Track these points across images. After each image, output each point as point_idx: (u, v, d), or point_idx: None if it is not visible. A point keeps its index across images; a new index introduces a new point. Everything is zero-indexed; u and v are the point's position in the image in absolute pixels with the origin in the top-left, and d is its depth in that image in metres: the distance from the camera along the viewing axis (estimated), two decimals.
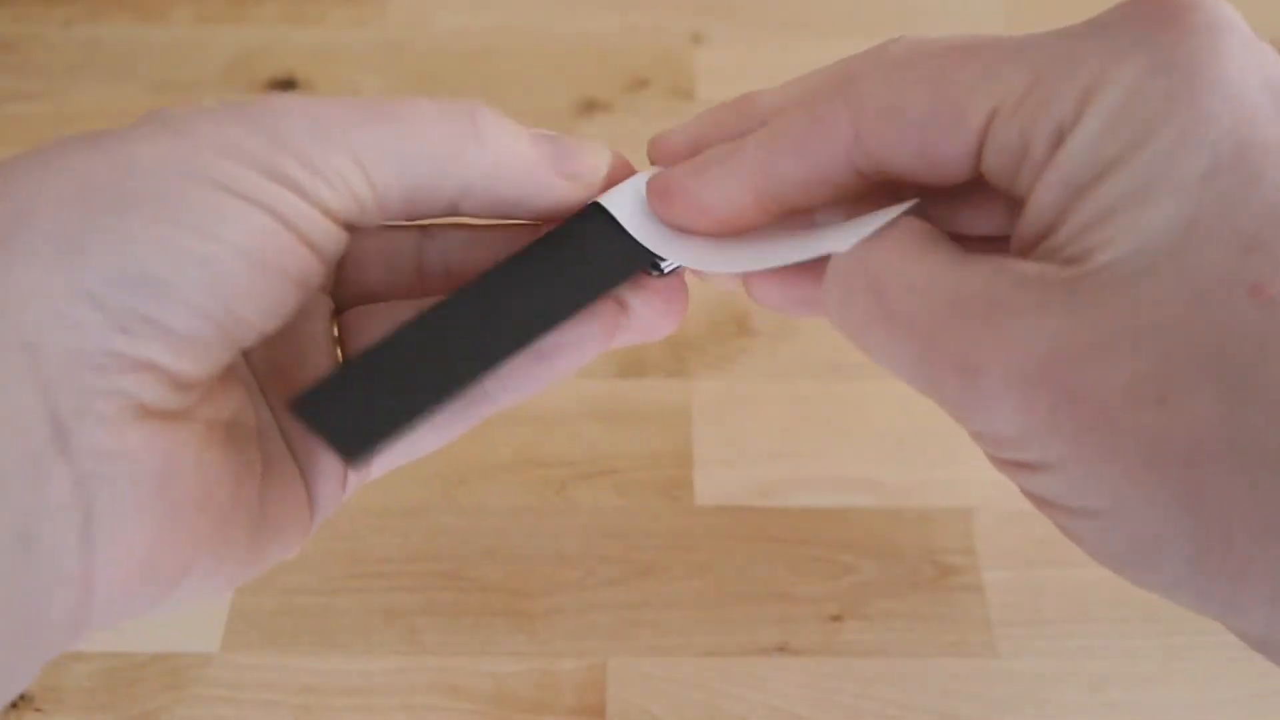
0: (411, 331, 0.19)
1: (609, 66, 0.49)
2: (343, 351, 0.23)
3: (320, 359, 0.22)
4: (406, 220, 0.20)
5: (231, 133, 0.17)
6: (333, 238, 0.18)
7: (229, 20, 0.51)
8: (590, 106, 0.48)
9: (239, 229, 0.17)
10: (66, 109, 0.47)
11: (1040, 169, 0.17)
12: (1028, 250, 0.17)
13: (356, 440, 0.18)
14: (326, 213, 0.18)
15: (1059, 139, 0.17)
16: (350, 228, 0.19)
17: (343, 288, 0.23)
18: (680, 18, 0.51)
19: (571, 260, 0.21)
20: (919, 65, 0.18)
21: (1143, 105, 0.16)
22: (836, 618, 0.33)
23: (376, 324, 0.23)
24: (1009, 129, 0.17)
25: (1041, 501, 0.17)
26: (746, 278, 0.22)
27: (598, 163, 0.21)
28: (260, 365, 0.21)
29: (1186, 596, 0.16)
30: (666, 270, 0.21)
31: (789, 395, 0.38)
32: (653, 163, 0.22)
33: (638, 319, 0.22)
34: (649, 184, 0.21)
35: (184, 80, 0.48)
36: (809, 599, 0.33)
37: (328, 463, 0.21)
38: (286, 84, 0.48)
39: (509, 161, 0.20)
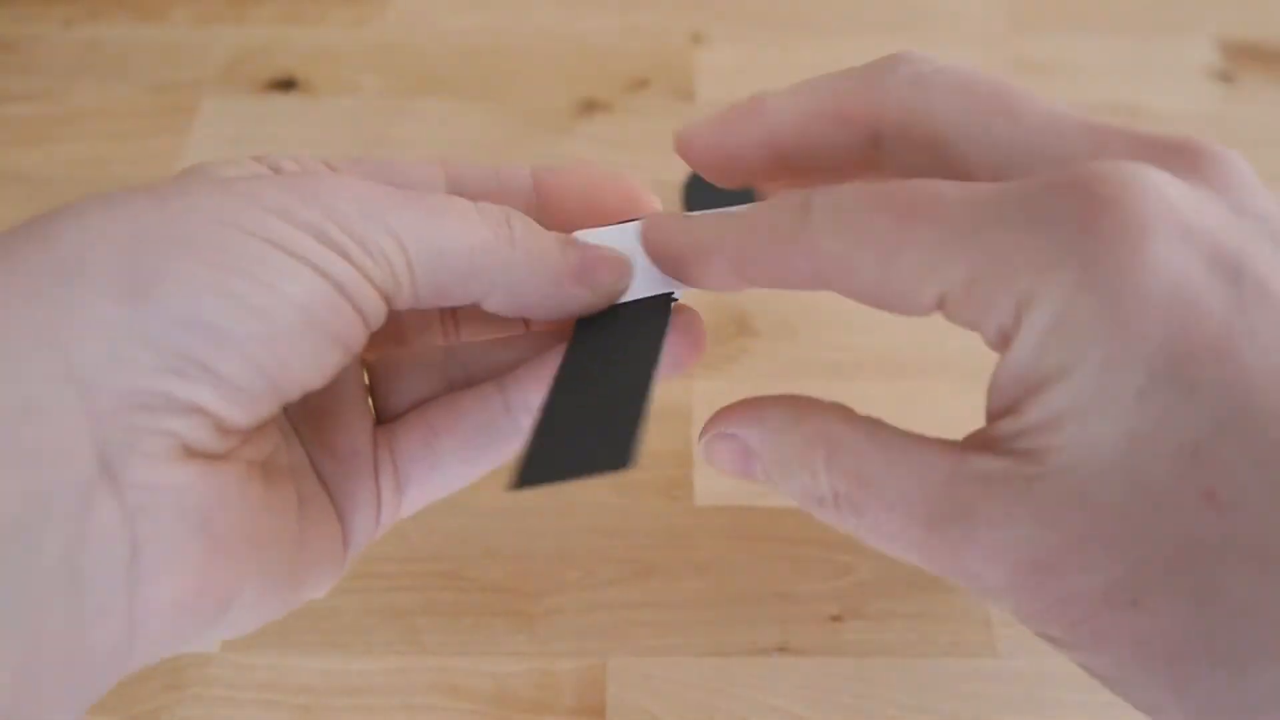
0: (565, 383, 0.20)
1: (609, 66, 0.49)
2: (374, 398, 0.24)
3: (352, 404, 0.23)
4: (429, 307, 0.21)
5: (284, 198, 0.18)
6: (376, 307, 0.19)
7: (229, 20, 0.51)
8: (590, 106, 0.48)
9: (296, 285, 0.17)
10: (66, 109, 0.47)
11: (996, 346, 0.18)
12: (995, 418, 0.18)
13: (616, 449, 0.19)
14: (370, 280, 0.18)
15: (1006, 339, 0.17)
16: (388, 302, 0.19)
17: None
18: (680, 18, 0.51)
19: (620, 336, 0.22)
20: (870, 224, 0.18)
21: (1072, 326, 0.16)
22: (836, 618, 0.33)
23: (405, 370, 0.24)
24: (960, 316, 0.18)
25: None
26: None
27: (619, 277, 0.22)
28: (292, 407, 0.22)
29: None
30: (677, 297, 0.22)
31: None
32: (681, 155, 0.23)
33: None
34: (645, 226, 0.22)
35: (184, 80, 0.48)
36: (809, 599, 0.33)
37: (363, 499, 0.22)
38: (286, 84, 0.48)
39: (538, 267, 0.20)
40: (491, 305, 0.21)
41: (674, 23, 0.51)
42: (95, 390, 0.16)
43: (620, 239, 0.22)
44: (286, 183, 0.18)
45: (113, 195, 0.18)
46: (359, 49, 0.50)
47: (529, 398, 0.22)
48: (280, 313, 0.17)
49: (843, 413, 0.20)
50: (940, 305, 0.18)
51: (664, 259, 0.21)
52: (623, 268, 0.22)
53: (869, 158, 0.21)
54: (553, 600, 0.33)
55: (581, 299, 0.21)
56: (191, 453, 0.17)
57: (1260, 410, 0.15)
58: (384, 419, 0.24)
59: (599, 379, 0.20)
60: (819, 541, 0.35)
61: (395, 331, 0.24)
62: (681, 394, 0.38)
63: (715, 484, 0.36)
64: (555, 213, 0.23)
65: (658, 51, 0.50)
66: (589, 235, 0.22)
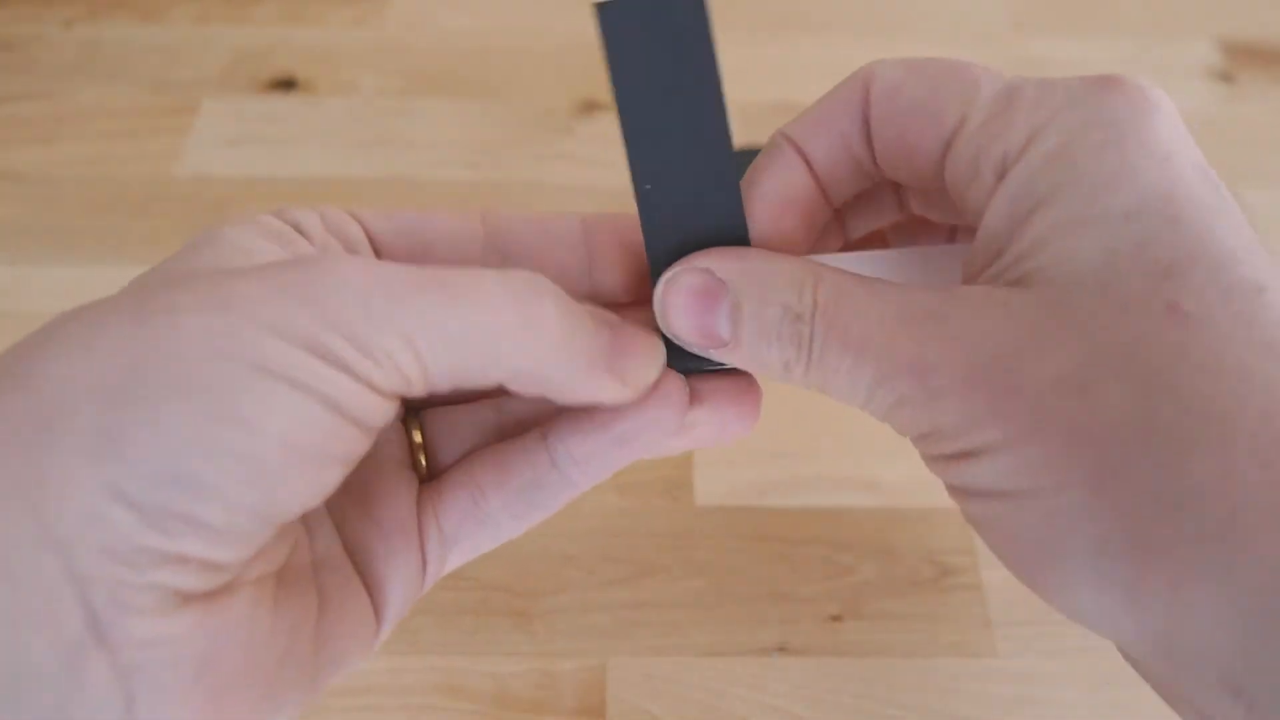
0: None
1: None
2: (426, 457, 0.23)
3: (392, 473, 0.22)
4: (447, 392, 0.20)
5: (281, 308, 0.17)
6: (380, 412, 0.18)
7: (229, 20, 0.51)
8: (590, 106, 0.48)
9: (285, 420, 0.16)
10: (66, 109, 0.47)
11: (987, 193, 0.19)
12: (976, 275, 0.19)
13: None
14: (376, 391, 0.17)
15: (1003, 169, 0.19)
16: (398, 398, 0.18)
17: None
18: None
19: None
20: (928, 65, 0.21)
21: (1077, 150, 0.18)
22: (836, 618, 0.33)
23: (458, 426, 0.23)
24: (967, 146, 0.19)
25: (967, 492, 0.19)
26: None
27: (650, 370, 0.21)
28: None
29: (1085, 593, 0.17)
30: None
31: (789, 395, 0.37)
32: None
33: (711, 415, 0.22)
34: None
35: (184, 80, 0.48)
36: (809, 599, 0.33)
37: (407, 568, 0.21)
38: (286, 84, 0.48)
39: (566, 357, 0.19)
40: (515, 388, 0.19)
41: None
42: (75, 551, 0.15)
43: None
44: (284, 279, 0.17)
45: (93, 318, 0.17)
46: (359, 49, 0.50)
47: (573, 450, 0.21)
48: (267, 453, 0.16)
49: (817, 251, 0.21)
50: (953, 135, 0.20)
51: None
52: (655, 355, 0.21)
53: (865, 140, 0.22)
54: (553, 600, 0.33)
55: (609, 391, 0.20)
56: (187, 598, 0.16)
57: (1232, 250, 0.17)
58: (435, 475, 0.23)
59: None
60: (819, 541, 0.35)
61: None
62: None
63: (715, 484, 0.36)
64: (608, 267, 0.23)
65: None
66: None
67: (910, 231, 0.26)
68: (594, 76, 0.49)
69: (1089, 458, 0.17)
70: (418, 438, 0.23)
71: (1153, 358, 0.17)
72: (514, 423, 0.23)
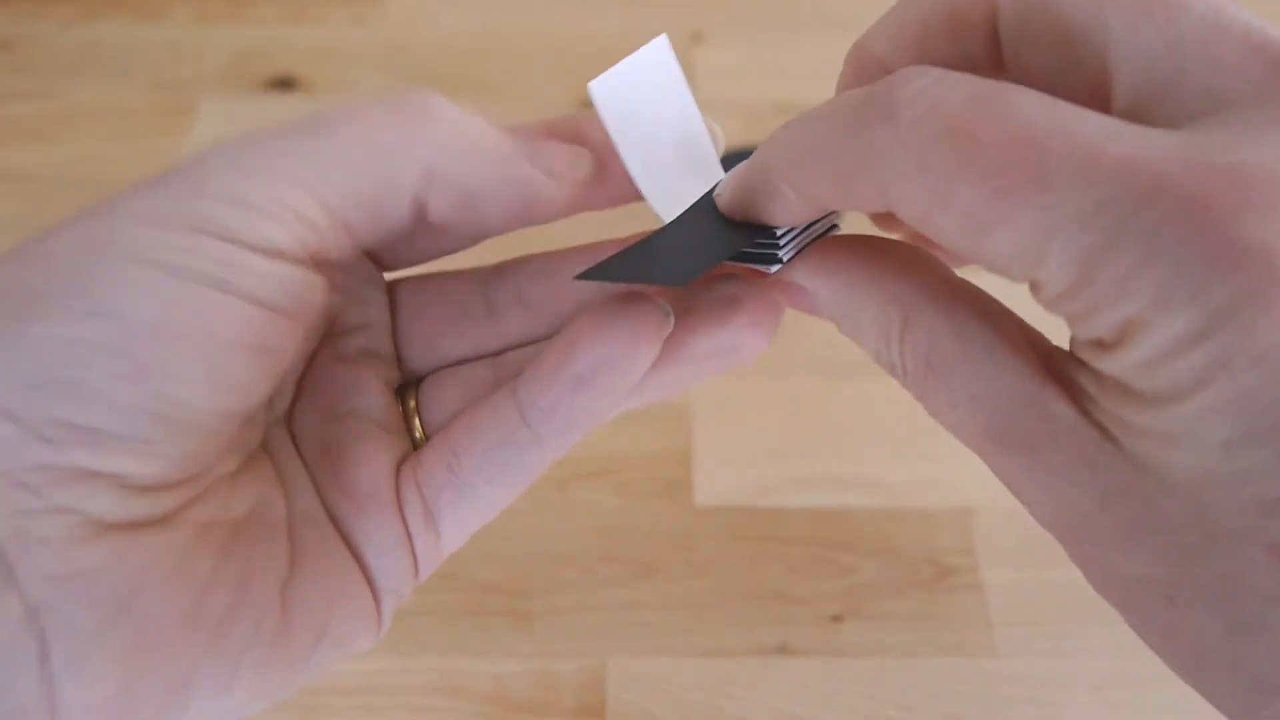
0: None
1: (609, 66, 0.49)
2: (422, 423, 0.22)
3: (365, 436, 0.20)
4: (383, 240, 0.19)
5: (150, 196, 0.16)
6: (291, 284, 0.16)
7: (229, 20, 0.51)
8: (590, 106, 0.48)
9: (155, 306, 0.15)
10: (65, 109, 0.47)
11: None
12: (1082, 349, 0.16)
13: (676, 270, 0.18)
14: (275, 253, 0.16)
15: (1100, 350, 0.16)
16: (319, 263, 0.17)
17: (411, 352, 0.22)
18: (680, 17, 0.51)
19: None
20: (956, 188, 0.15)
21: (1178, 368, 0.14)
22: (836, 618, 0.33)
23: (452, 391, 0.22)
24: (1054, 308, 0.16)
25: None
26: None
27: (578, 158, 0.20)
28: (308, 448, 0.20)
29: None
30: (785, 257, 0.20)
31: (789, 395, 0.38)
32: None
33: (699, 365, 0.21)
34: None
35: (183, 80, 0.48)
36: (809, 599, 0.33)
37: (388, 541, 0.20)
38: (286, 83, 0.48)
39: (469, 144, 0.18)
40: (440, 208, 0.18)
41: (674, 23, 0.51)
42: None
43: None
44: (159, 176, 0.16)
45: None
46: (359, 49, 0.50)
47: (536, 397, 0.20)
48: (138, 343, 0.15)
49: (926, 277, 0.18)
50: (1032, 287, 0.16)
51: (733, 202, 0.19)
52: (579, 152, 0.20)
53: (995, 60, 0.18)
54: (552, 600, 0.33)
55: (541, 186, 0.19)
56: (105, 527, 0.15)
57: None
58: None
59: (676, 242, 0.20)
60: (819, 541, 0.35)
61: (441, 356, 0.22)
62: (681, 394, 0.38)
63: (715, 484, 0.36)
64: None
65: None
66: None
67: None
68: (594, 77, 0.49)
69: (1184, 658, 0.16)
70: (412, 403, 0.22)
71: (1248, 603, 0.15)
72: (509, 381, 0.22)
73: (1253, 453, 0.14)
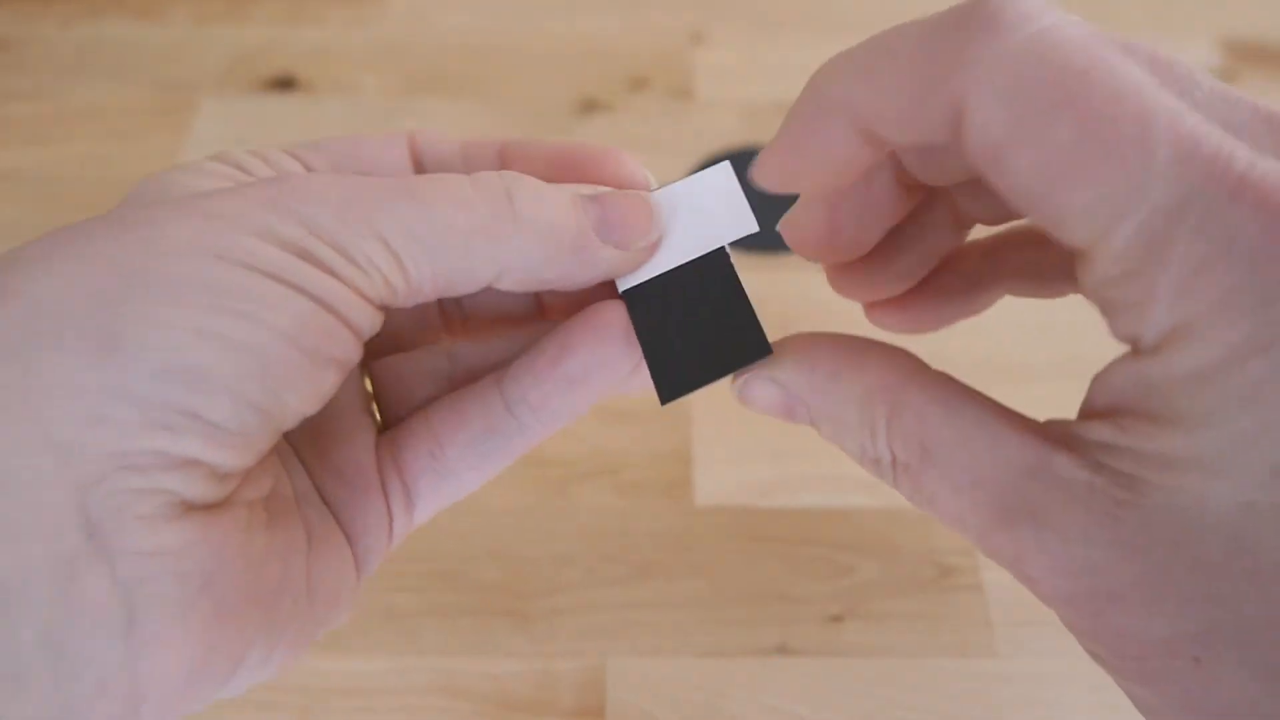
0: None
1: (609, 66, 0.49)
2: (379, 405, 0.22)
3: (352, 418, 0.21)
4: (437, 298, 0.20)
5: (261, 215, 0.17)
6: (370, 318, 0.18)
7: (229, 20, 0.51)
8: (590, 106, 0.48)
9: (282, 313, 0.16)
10: (66, 109, 0.47)
11: (1119, 336, 0.15)
12: (1092, 416, 0.16)
13: (751, 342, 0.19)
14: (361, 295, 0.17)
15: (1135, 344, 0.15)
16: (384, 308, 0.18)
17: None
18: (680, 18, 0.51)
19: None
20: (1046, 101, 0.14)
21: (1229, 381, 0.14)
22: (836, 618, 0.33)
23: (407, 374, 0.22)
24: (1096, 291, 0.15)
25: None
26: (868, 307, 0.22)
27: (646, 228, 0.20)
28: (293, 430, 0.21)
29: None
30: None
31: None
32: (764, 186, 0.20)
33: None
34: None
35: (184, 80, 0.48)
36: (809, 599, 0.33)
37: (373, 519, 0.21)
38: (286, 83, 0.48)
39: (548, 239, 0.19)
40: (506, 285, 0.19)
41: (674, 22, 0.51)
42: (77, 456, 0.15)
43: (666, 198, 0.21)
44: (261, 195, 0.17)
45: (78, 232, 0.16)
46: (359, 49, 0.50)
47: (526, 393, 0.21)
48: (269, 345, 0.16)
49: (909, 366, 0.18)
50: (1080, 260, 0.15)
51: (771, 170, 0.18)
52: (649, 212, 0.20)
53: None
54: (552, 600, 0.33)
55: (611, 260, 0.19)
56: (189, 508, 0.16)
57: None
58: (390, 426, 0.23)
59: (684, 311, 0.20)
60: (819, 541, 0.35)
61: (394, 335, 0.23)
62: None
63: (715, 484, 0.36)
64: None
65: (658, 51, 0.50)
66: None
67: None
68: (594, 76, 0.49)
69: None
70: (368, 386, 0.22)
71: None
72: (465, 370, 0.23)
73: None
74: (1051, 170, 0.14)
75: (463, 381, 0.23)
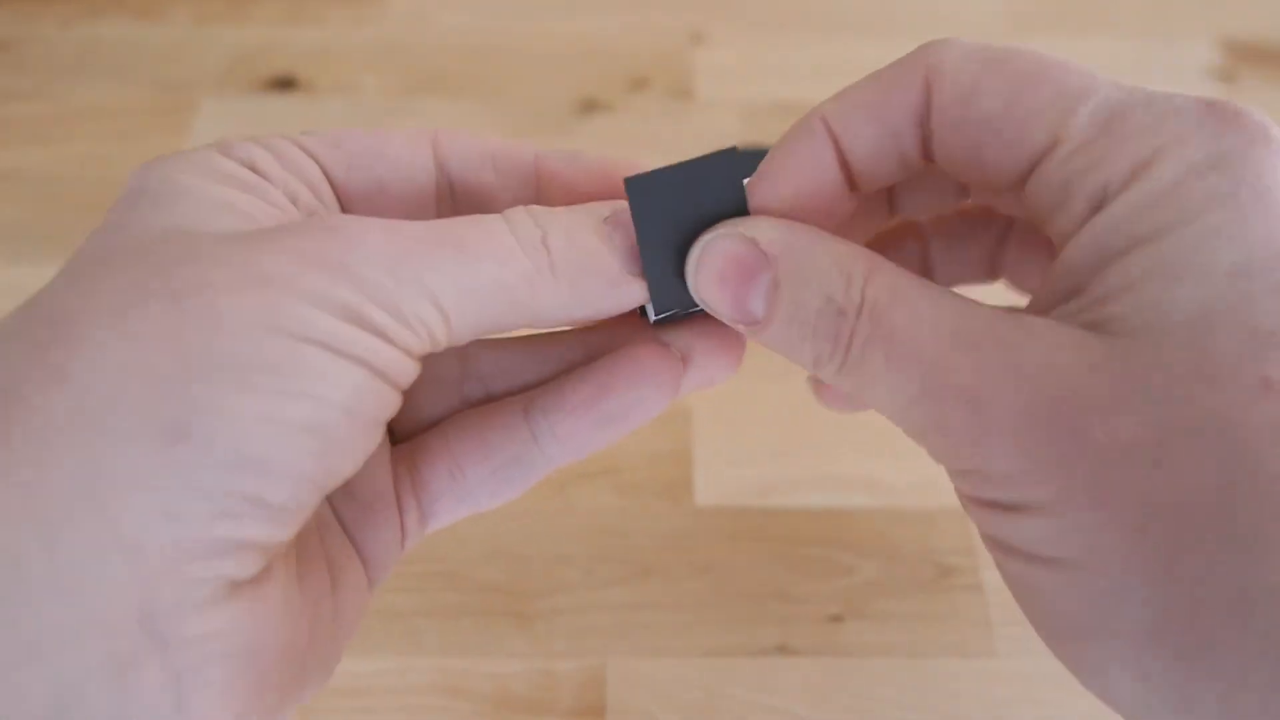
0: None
1: (609, 66, 0.49)
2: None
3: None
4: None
5: (316, 280, 0.16)
6: (412, 372, 0.18)
7: (229, 20, 0.51)
8: (590, 106, 0.48)
9: (340, 387, 0.16)
10: (65, 109, 0.47)
11: (1076, 223, 0.17)
12: (1046, 311, 0.17)
13: None
14: (408, 354, 0.17)
15: (1099, 201, 0.17)
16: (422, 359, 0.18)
17: None
18: (680, 18, 0.51)
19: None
20: (1007, 61, 0.18)
21: (1189, 192, 0.16)
22: (836, 618, 0.33)
23: (418, 388, 0.22)
24: (1059, 170, 0.17)
25: (1006, 548, 0.17)
26: (817, 389, 0.24)
27: None
28: None
29: (1124, 682, 0.16)
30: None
31: (789, 395, 0.37)
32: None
33: (699, 369, 0.22)
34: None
35: (184, 80, 0.48)
36: (809, 599, 0.33)
37: (387, 539, 0.21)
38: (286, 83, 0.48)
39: (584, 287, 0.19)
40: (541, 327, 0.19)
41: (674, 23, 0.51)
42: (145, 553, 0.14)
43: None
44: (314, 254, 0.16)
45: (121, 302, 0.15)
46: (359, 49, 0.50)
47: (555, 426, 0.21)
48: (328, 424, 0.16)
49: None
50: (1044, 155, 0.18)
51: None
52: None
53: (919, 136, 0.20)
54: (553, 600, 0.33)
55: (638, 293, 0.20)
56: (237, 586, 0.16)
57: None
58: (397, 440, 0.22)
59: (685, 208, 0.20)
60: (819, 541, 0.35)
61: None
62: None
63: (715, 484, 0.36)
64: (558, 203, 0.21)
65: (658, 51, 0.50)
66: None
67: (969, 221, 0.24)
68: (594, 76, 0.49)
69: (1155, 536, 0.15)
70: None
71: (1239, 435, 0.15)
72: (477, 379, 0.22)
73: (1251, 283, 0.15)
74: (1017, 83, 0.18)
75: (475, 390, 0.22)
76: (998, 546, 0.18)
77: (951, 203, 0.24)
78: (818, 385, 0.23)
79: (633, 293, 0.19)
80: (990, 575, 0.34)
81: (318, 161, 0.20)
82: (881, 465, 0.36)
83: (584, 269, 0.19)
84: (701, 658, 0.32)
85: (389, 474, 0.21)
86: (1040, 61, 0.18)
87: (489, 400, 0.22)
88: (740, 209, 0.20)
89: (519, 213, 0.19)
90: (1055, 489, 0.16)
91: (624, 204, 0.20)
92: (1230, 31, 0.51)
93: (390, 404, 0.17)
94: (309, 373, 0.16)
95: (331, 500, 0.20)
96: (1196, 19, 0.52)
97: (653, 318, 0.21)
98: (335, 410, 0.16)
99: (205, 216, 0.17)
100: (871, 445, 0.37)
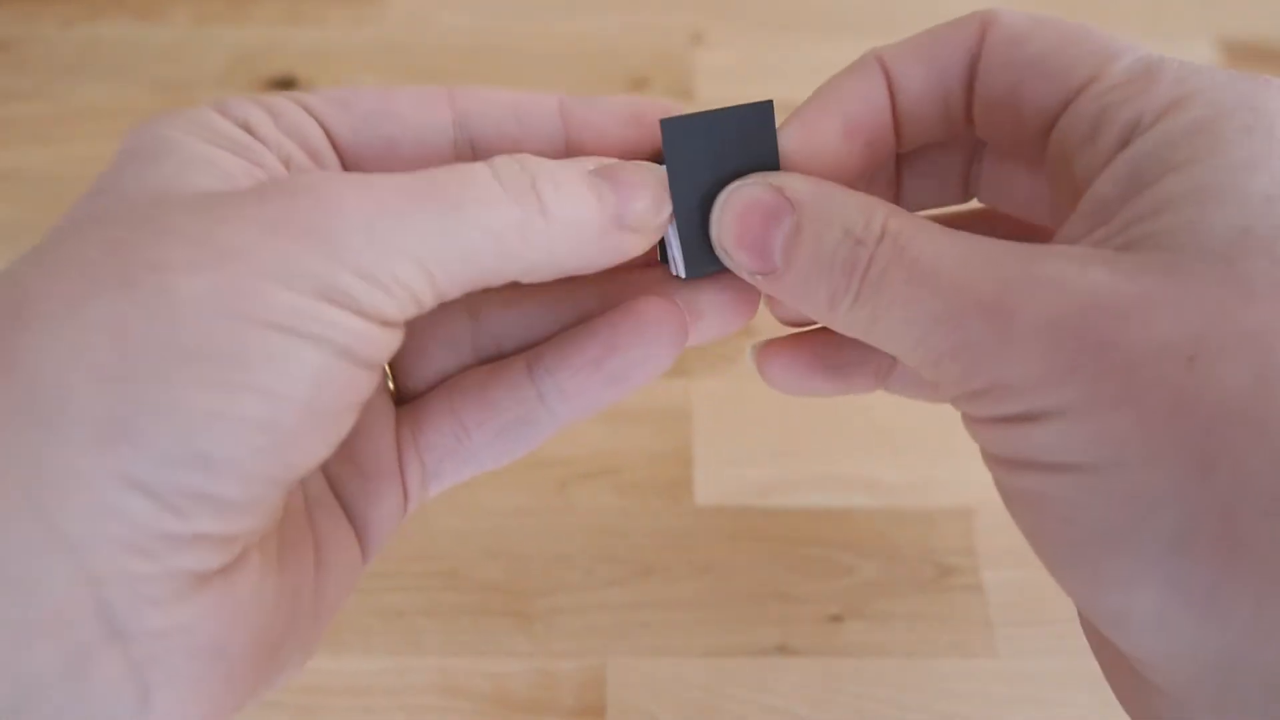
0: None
1: (609, 66, 0.49)
2: (393, 371, 0.22)
3: (375, 403, 0.21)
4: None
5: (282, 252, 0.15)
6: (391, 343, 0.17)
7: (229, 20, 0.51)
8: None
9: (300, 378, 0.15)
10: (65, 109, 0.47)
11: (1106, 156, 0.17)
12: (1076, 240, 0.17)
13: None
14: (387, 323, 0.16)
15: (1130, 134, 0.17)
16: (407, 322, 0.18)
17: None
18: (680, 18, 0.51)
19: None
20: (1057, 22, 0.19)
21: (1222, 126, 0.16)
22: (836, 618, 0.33)
23: (426, 339, 0.22)
24: (1092, 104, 0.18)
25: (1020, 464, 0.17)
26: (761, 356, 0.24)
27: (657, 207, 0.19)
28: None
29: (1147, 594, 0.15)
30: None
31: (789, 395, 0.37)
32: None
33: (709, 321, 0.22)
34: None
35: (184, 80, 0.48)
36: (809, 599, 0.33)
37: (389, 504, 0.20)
38: (286, 83, 0.48)
39: (574, 235, 0.18)
40: (527, 279, 0.18)
41: (674, 23, 0.51)
42: (88, 550, 0.14)
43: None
44: (282, 221, 0.15)
45: (73, 288, 0.15)
46: (359, 49, 0.50)
47: (562, 384, 0.21)
48: (284, 419, 0.15)
49: None
50: (1079, 91, 0.18)
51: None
52: (656, 188, 0.19)
53: (966, 83, 0.20)
54: (552, 600, 0.33)
55: (629, 245, 0.19)
56: (201, 578, 0.15)
57: None
58: (405, 398, 0.22)
59: (718, 156, 0.20)
60: (819, 541, 0.35)
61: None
62: (681, 394, 0.38)
63: (715, 484, 0.36)
64: (591, 153, 0.21)
65: (658, 51, 0.50)
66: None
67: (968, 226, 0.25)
68: (594, 76, 0.49)
69: (1187, 435, 0.14)
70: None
71: (1276, 345, 0.14)
72: (494, 349, 0.22)
73: None
74: (1066, 34, 0.19)
75: (489, 354, 0.22)
76: (1009, 465, 0.17)
77: (951, 200, 0.24)
78: (770, 301, 0.23)
79: (623, 245, 0.19)
80: (990, 575, 0.34)
81: (322, 122, 0.20)
82: (881, 465, 0.36)
83: (577, 219, 0.18)
84: (701, 658, 0.32)
85: (392, 441, 0.21)
86: (1088, 26, 0.19)
87: (502, 358, 0.22)
88: (771, 162, 0.20)
89: (504, 159, 0.18)
90: (1082, 391, 0.15)
91: (611, 160, 0.20)
92: (1230, 31, 0.51)
93: (361, 386, 0.16)
94: (264, 363, 0.15)
95: (329, 468, 0.20)
96: (1196, 19, 0.52)
97: (683, 275, 0.20)
98: (290, 404, 0.15)
99: (187, 175, 0.17)
100: (871, 445, 0.37)
